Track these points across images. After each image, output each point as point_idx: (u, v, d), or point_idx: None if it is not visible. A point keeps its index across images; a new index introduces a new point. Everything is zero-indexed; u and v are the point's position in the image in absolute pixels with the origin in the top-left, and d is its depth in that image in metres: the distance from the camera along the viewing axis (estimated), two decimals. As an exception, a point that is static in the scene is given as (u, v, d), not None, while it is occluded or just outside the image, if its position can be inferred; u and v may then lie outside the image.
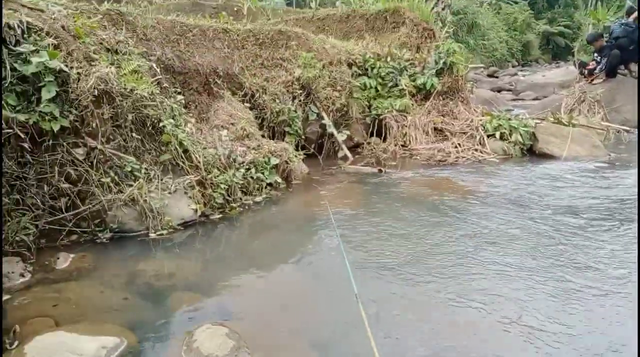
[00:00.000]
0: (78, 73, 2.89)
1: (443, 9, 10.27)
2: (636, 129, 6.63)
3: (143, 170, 3.13)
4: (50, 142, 2.82)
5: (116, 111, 3.05)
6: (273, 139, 4.68)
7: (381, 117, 5.91)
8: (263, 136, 4.54)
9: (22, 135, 2.65)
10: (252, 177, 3.81)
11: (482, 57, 20.28)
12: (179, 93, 3.97)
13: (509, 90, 13.10)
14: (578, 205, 3.59)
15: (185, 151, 3.39)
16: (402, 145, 5.73)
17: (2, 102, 2.57)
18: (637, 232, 2.97)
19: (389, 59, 6.20)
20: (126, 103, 3.08)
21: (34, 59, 2.68)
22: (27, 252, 2.60)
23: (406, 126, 5.82)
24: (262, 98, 4.88)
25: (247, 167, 3.83)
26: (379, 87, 6.10)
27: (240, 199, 3.65)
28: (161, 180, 3.21)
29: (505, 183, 4.28)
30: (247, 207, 3.64)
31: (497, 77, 16.66)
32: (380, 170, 4.78)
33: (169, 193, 3.18)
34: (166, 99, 3.47)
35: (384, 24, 7.08)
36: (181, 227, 3.16)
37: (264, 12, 8.90)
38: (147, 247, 2.88)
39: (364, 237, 3.00)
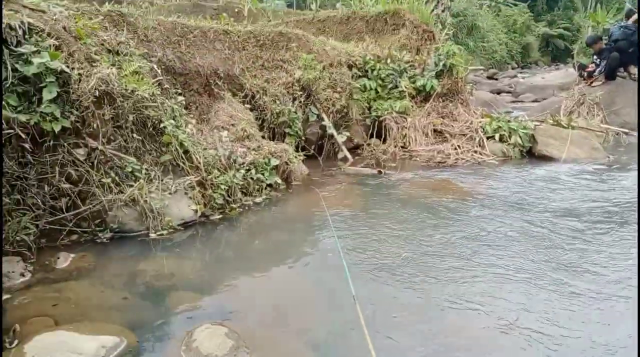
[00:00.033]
0: (79, 74, 2.91)
1: (443, 11, 10.31)
2: (635, 132, 6.64)
3: (144, 171, 3.14)
4: (51, 142, 2.83)
5: (117, 112, 3.06)
6: (273, 140, 4.69)
7: (381, 118, 5.92)
8: (263, 137, 4.55)
9: (23, 136, 2.66)
10: (252, 178, 3.83)
11: (482, 59, 20.33)
12: (180, 94, 3.98)
13: (508, 92, 13.12)
14: (577, 207, 3.60)
15: (186, 152, 3.40)
16: (402, 147, 5.74)
17: (4, 102, 2.58)
18: (637, 234, 2.97)
19: (389, 60, 6.22)
20: (127, 104, 3.09)
21: (35, 60, 2.69)
22: (27, 251, 2.61)
23: (406, 128, 5.83)
24: (262, 99, 4.89)
25: (247, 168, 3.84)
26: (379, 89, 6.12)
27: (240, 199, 3.66)
28: (162, 180, 3.22)
29: (504, 185, 4.29)
30: (247, 207, 3.65)
31: (496, 79, 16.70)
32: (379, 172, 4.79)
33: (170, 193, 3.19)
34: (167, 100, 3.48)
35: (384, 26, 7.11)
36: (181, 227, 3.17)
37: (265, 14, 8.93)
38: (147, 247, 2.89)
39: (362, 239, 3.01)
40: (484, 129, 5.73)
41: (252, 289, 2.45)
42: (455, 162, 5.25)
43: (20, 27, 2.75)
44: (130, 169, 3.08)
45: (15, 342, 1.86)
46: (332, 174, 4.86)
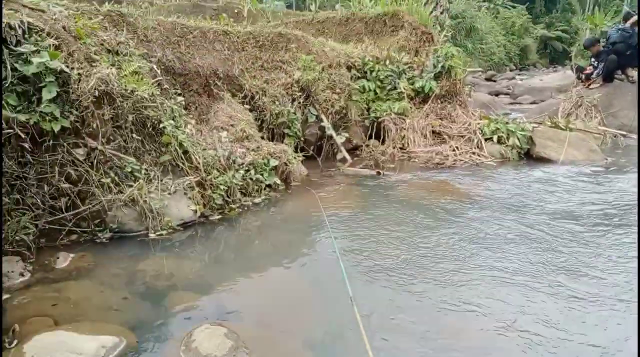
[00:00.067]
0: (79, 74, 2.91)
1: (442, 13, 10.35)
2: (632, 134, 6.67)
3: (143, 171, 3.14)
4: (51, 142, 2.83)
5: (117, 112, 3.07)
6: (272, 141, 4.70)
7: (380, 120, 5.94)
8: (262, 138, 4.56)
9: (23, 136, 2.66)
10: (251, 179, 3.83)
11: (480, 61, 20.38)
12: (179, 94, 3.98)
13: (506, 94, 13.15)
14: (575, 209, 3.62)
15: (185, 152, 3.40)
16: (401, 148, 5.76)
17: (3, 102, 2.58)
18: (637, 235, 2.98)
19: (387, 62, 6.24)
20: (127, 104, 3.09)
21: (35, 60, 2.69)
22: (27, 251, 2.61)
23: (404, 129, 5.85)
24: (261, 100, 4.90)
25: (247, 168, 3.84)
26: (378, 90, 6.13)
27: (240, 200, 3.66)
28: (161, 181, 3.22)
29: (502, 187, 4.31)
30: (246, 208, 3.65)
31: (495, 81, 16.73)
32: (378, 173, 4.81)
33: (169, 194, 3.19)
34: (166, 101, 3.48)
35: (383, 27, 7.13)
36: (180, 227, 3.17)
37: (264, 15, 8.94)
38: (147, 248, 2.89)
39: (360, 240, 3.02)
40: (482, 131, 5.75)
41: (251, 289, 2.46)
42: (454, 164, 5.27)
43: (19, 26, 2.75)
44: (129, 169, 3.08)
45: (15, 342, 1.86)
46: (331, 174, 4.87)
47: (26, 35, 2.79)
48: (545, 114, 7.47)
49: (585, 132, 6.09)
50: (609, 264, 2.63)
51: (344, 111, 5.66)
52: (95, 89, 2.90)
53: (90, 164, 2.96)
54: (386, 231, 3.16)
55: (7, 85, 2.62)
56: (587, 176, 4.68)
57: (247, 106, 4.79)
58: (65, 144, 2.88)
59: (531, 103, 10.88)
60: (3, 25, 2.65)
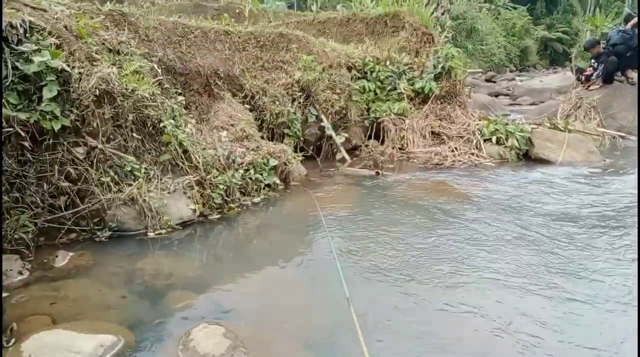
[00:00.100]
0: (80, 73, 2.92)
1: (442, 14, 10.36)
2: (631, 136, 6.68)
3: (143, 170, 3.15)
4: (51, 141, 2.84)
5: (117, 111, 3.07)
6: (272, 141, 4.70)
7: (379, 120, 5.95)
8: (262, 138, 4.57)
9: (23, 134, 2.67)
10: (250, 178, 3.84)
11: (480, 62, 20.39)
12: (180, 94, 4.00)
13: (506, 95, 13.17)
14: (573, 211, 3.62)
15: (185, 152, 3.41)
16: (400, 149, 5.77)
17: (4, 100, 2.59)
18: (637, 237, 2.99)
19: (388, 62, 6.25)
20: (127, 103, 3.10)
21: (36, 58, 2.70)
22: (25, 250, 2.61)
23: (404, 129, 5.86)
24: (262, 100, 4.91)
25: (246, 168, 3.85)
26: (378, 91, 6.14)
27: (239, 199, 3.67)
28: (160, 180, 3.23)
29: (500, 188, 4.31)
30: (245, 207, 3.66)
31: (494, 82, 16.75)
32: (377, 173, 4.82)
33: (168, 193, 3.20)
34: (167, 100, 3.49)
35: (383, 28, 7.14)
36: (180, 226, 3.18)
37: (266, 15, 8.95)
38: (146, 246, 2.90)
39: (358, 240, 3.03)
40: (481, 132, 5.76)
41: (250, 289, 2.46)
42: (453, 164, 5.28)
43: (21, 25, 2.76)
44: (129, 168, 3.09)
45: (13, 340, 1.86)
46: (330, 174, 4.88)
47: (27, 34, 2.80)
48: (545, 115, 7.48)
49: (584, 134, 6.10)
50: (606, 266, 2.63)
51: (343, 111, 5.67)
52: (96, 88, 2.91)
53: (90, 162, 2.97)
54: (384, 231, 3.17)
55: (8, 84, 2.62)
56: (585, 178, 4.69)
57: (247, 106, 4.80)
58: (65, 142, 2.89)
59: (531, 104, 10.89)
60: (4, 24, 2.66)
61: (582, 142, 5.66)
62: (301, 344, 1.97)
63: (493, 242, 2.97)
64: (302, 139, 5.18)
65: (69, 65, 2.87)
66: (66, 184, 2.88)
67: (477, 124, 5.92)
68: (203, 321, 2.04)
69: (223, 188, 3.51)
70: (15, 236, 2.60)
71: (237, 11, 8.58)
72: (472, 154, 5.53)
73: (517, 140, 5.57)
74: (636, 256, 2.71)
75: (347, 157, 5.36)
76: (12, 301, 2.19)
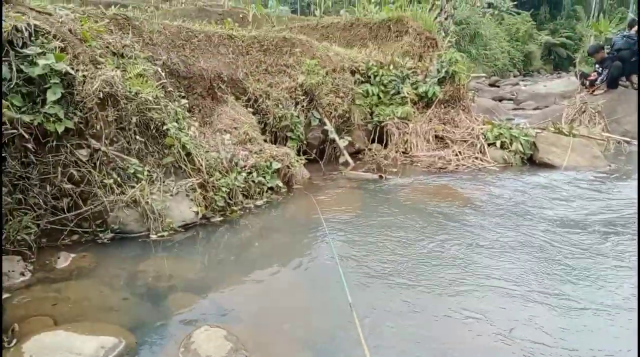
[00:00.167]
0: (84, 76, 2.94)
1: (446, 19, 10.38)
2: (636, 140, 6.64)
3: (145, 173, 3.15)
4: (54, 143, 2.85)
5: (120, 114, 3.09)
6: (275, 144, 4.71)
7: (383, 124, 5.94)
8: (265, 141, 4.58)
9: (27, 136, 2.68)
10: (253, 181, 3.84)
11: (484, 67, 20.41)
12: (183, 97, 4.01)
13: (510, 99, 13.16)
14: (577, 216, 3.59)
15: (188, 154, 3.42)
16: (403, 152, 5.75)
17: (8, 102, 2.61)
18: (637, 241, 2.96)
19: (391, 67, 6.26)
20: (131, 106, 3.11)
21: (41, 61, 2.72)
22: (28, 251, 2.62)
23: (407, 133, 5.85)
24: (265, 103, 4.92)
25: (249, 171, 3.85)
26: (381, 95, 6.14)
27: (242, 202, 3.67)
28: (163, 182, 3.23)
29: (504, 192, 4.28)
30: (247, 210, 3.66)
31: (498, 86, 16.74)
32: (380, 177, 4.80)
33: (171, 195, 3.20)
34: (170, 103, 3.51)
35: (387, 32, 7.15)
36: (182, 229, 3.18)
37: (269, 19, 9.01)
38: (148, 248, 2.90)
39: (360, 245, 3.01)
40: (485, 136, 5.74)
41: (251, 291, 2.45)
42: (456, 168, 5.25)
43: (26, 29, 2.78)
44: (132, 171, 3.09)
45: (14, 341, 1.86)
46: (333, 178, 4.87)
47: (32, 38, 2.82)
48: (549, 119, 7.44)
49: (589, 139, 6.06)
50: (611, 273, 2.59)
51: (347, 115, 5.68)
52: (99, 90, 2.92)
53: (93, 165, 2.98)
54: (386, 236, 3.15)
55: (12, 86, 2.64)
56: (590, 183, 4.65)
57: (251, 109, 4.81)
58: (68, 145, 2.91)
59: (535, 109, 10.86)
60: (10, 27, 2.68)
61: (586, 147, 5.63)
62: (302, 348, 1.95)
63: (496, 248, 2.94)
64: (305, 142, 5.18)
65: (73, 68, 2.89)
66: (69, 186, 2.88)
67: (481, 128, 5.90)
68: (204, 323, 2.03)
69: (226, 191, 3.51)
70: (18, 237, 2.61)
71: (241, 16, 8.64)
72: (476, 158, 5.50)
73: (521, 144, 5.54)
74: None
75: (350, 160, 5.35)
76: (13, 302, 2.19)
